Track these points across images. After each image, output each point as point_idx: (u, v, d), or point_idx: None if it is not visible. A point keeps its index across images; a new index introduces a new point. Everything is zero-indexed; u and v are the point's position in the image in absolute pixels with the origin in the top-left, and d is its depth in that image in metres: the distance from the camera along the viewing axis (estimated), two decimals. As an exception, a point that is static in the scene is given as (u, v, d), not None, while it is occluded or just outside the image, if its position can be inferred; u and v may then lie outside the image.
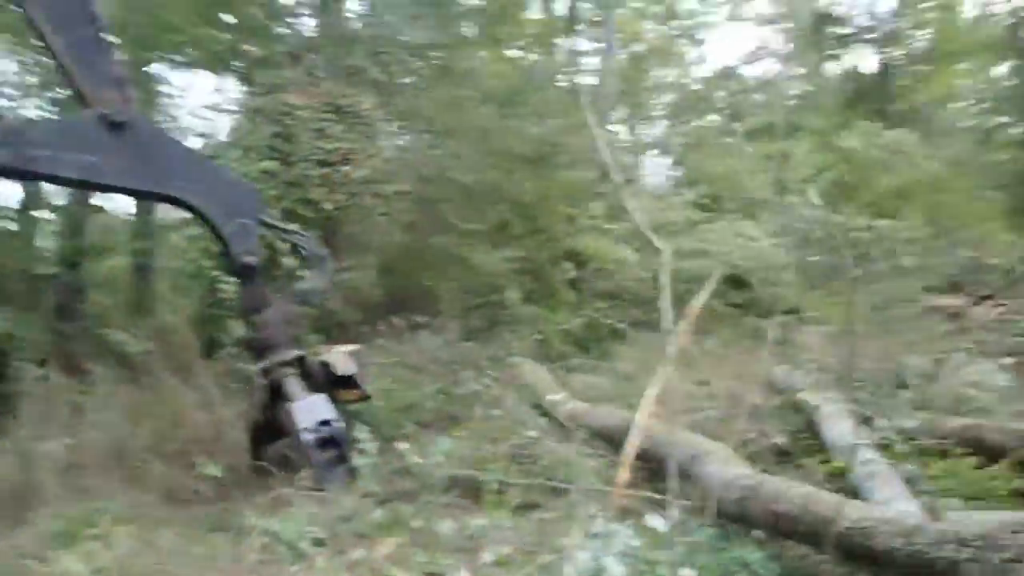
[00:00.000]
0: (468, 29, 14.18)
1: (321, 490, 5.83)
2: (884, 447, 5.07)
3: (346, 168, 10.86)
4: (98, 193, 14.88)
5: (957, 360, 7.88)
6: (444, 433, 7.51)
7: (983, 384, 6.96)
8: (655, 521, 3.08)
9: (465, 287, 11.63)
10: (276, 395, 6.52)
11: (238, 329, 9.18)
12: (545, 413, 8.44)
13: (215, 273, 9.36)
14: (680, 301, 13.85)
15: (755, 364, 10.96)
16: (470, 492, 6.20)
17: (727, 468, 4.56)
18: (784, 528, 3.71)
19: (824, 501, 3.60)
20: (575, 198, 13.18)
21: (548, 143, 12.70)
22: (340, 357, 6.78)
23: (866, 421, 5.75)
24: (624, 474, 4.34)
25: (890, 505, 3.84)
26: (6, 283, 13.86)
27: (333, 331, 9.94)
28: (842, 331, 12.59)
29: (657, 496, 5.30)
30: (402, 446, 6.62)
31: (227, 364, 8.41)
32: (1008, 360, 8.32)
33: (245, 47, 12.57)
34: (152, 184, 6.33)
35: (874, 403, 6.38)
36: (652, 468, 6.16)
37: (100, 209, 16.41)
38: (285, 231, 7.08)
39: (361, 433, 6.37)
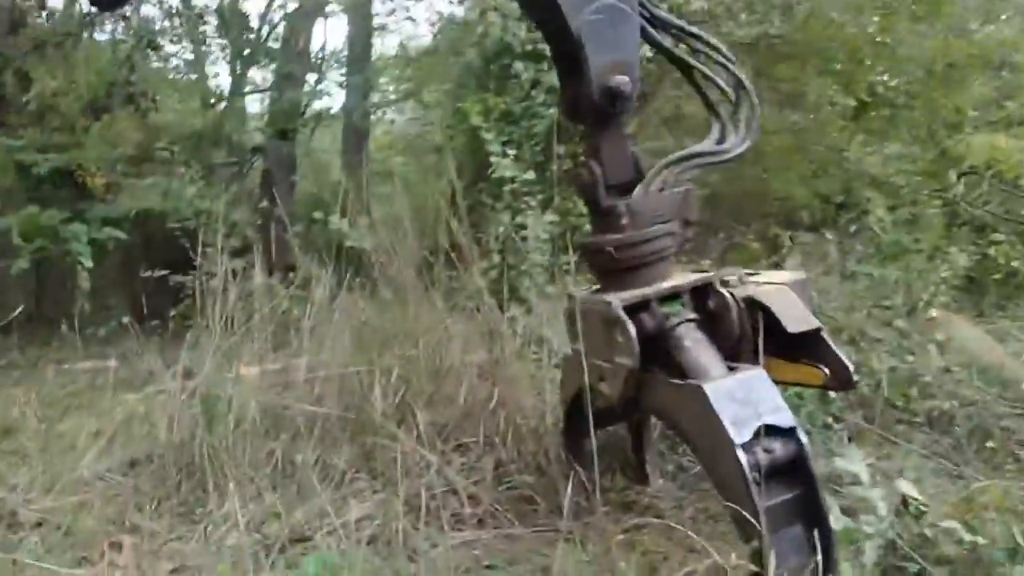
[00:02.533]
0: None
1: (759, 563, 2.53)
2: None
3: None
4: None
5: None
6: (959, 456, 3.99)
7: None
8: None
9: (814, 190, 7.83)
10: (650, 353, 3.12)
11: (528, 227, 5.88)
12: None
13: (488, 135, 6.03)
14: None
15: None
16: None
17: None
18: None
19: None
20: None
21: None
22: (783, 296, 3.28)
23: None
24: None
25: None
26: (208, 157, 11.59)
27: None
28: None
29: None
30: (906, 488, 3.15)
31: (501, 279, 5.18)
32: None
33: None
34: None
35: None
36: None
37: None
38: (696, 36, 3.58)
39: (850, 462, 2.97)
